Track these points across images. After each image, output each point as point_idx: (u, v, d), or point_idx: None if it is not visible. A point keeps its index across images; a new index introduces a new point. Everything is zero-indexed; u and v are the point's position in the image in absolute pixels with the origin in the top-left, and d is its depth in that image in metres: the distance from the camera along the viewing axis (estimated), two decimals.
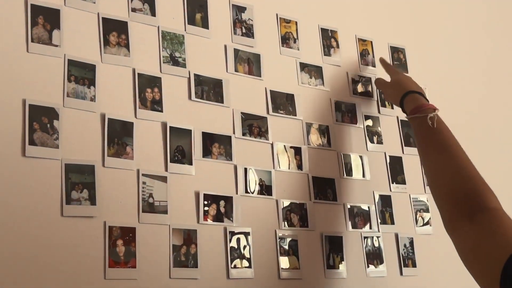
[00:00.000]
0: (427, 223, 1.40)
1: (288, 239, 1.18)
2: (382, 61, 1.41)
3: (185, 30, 1.18)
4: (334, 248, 1.23)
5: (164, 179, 1.07)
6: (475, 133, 1.61)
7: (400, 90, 1.26)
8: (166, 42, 1.15)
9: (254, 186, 1.17)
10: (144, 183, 1.04)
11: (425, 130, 1.14)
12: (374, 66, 1.44)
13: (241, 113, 1.20)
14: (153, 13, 1.15)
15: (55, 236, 0.94)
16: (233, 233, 1.12)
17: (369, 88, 1.42)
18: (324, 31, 1.39)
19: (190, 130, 1.12)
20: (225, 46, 1.23)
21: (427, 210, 1.40)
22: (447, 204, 1.04)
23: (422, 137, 1.16)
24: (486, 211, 0.97)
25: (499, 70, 1.73)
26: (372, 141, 1.38)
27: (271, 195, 1.19)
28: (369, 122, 1.39)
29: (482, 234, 0.94)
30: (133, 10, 1.12)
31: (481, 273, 0.90)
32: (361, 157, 1.34)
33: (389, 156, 1.39)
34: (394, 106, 1.44)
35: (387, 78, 1.37)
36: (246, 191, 1.16)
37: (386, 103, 1.43)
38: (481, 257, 0.91)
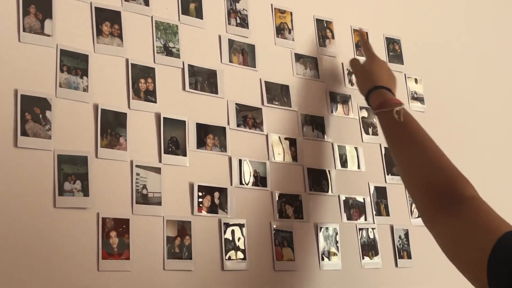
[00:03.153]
0: None
1: (283, 231, 1.18)
2: (361, 36, 1.37)
3: (179, 20, 1.17)
4: (329, 240, 1.23)
5: (158, 170, 1.06)
6: (470, 124, 1.61)
7: (368, 83, 1.24)
8: (159, 32, 1.14)
9: (248, 177, 1.17)
10: (137, 174, 1.04)
11: (392, 124, 1.12)
12: None
13: (236, 104, 1.19)
14: (147, 3, 1.13)
15: (47, 228, 0.93)
16: (227, 225, 1.11)
17: None
18: (319, 22, 1.38)
19: (184, 121, 1.12)
20: (219, 37, 1.22)
21: None
22: (422, 198, 1.02)
23: (390, 132, 1.14)
24: (463, 201, 0.95)
25: (495, 61, 1.73)
26: (367, 133, 1.38)
27: (266, 186, 1.18)
28: (364, 113, 1.39)
29: (462, 225, 0.91)
30: None
31: (466, 264, 0.88)
32: (356, 148, 1.34)
33: (384, 147, 1.39)
34: None
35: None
36: (241, 183, 1.15)
37: None
38: (465, 248, 0.89)
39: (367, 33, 1.38)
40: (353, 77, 1.36)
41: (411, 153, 1.07)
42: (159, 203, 1.05)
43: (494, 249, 0.81)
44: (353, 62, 1.34)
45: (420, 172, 1.04)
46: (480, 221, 0.89)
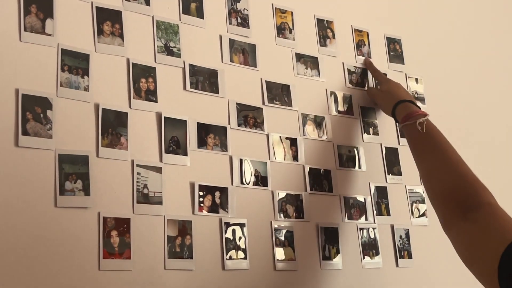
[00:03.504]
0: (423, 214, 1.40)
1: (284, 230, 1.18)
2: (369, 65, 1.41)
3: (180, 20, 1.17)
4: (329, 239, 1.23)
5: (158, 169, 1.06)
6: (471, 124, 1.61)
7: (391, 99, 1.29)
8: (160, 32, 1.14)
9: (249, 177, 1.17)
10: (138, 173, 1.04)
11: (416, 135, 1.17)
12: (370, 56, 1.44)
13: (237, 103, 1.19)
14: (148, 3, 1.13)
15: (48, 227, 0.93)
16: (228, 224, 1.11)
17: (365, 80, 1.41)
18: (320, 22, 1.38)
19: (185, 121, 1.12)
20: (220, 36, 1.22)
21: (423, 202, 1.40)
22: (441, 204, 1.05)
23: (414, 143, 1.18)
24: (480, 207, 0.97)
25: (496, 61, 1.73)
26: (368, 132, 1.37)
27: (266, 186, 1.18)
28: (365, 113, 1.39)
29: (477, 230, 0.94)
30: None
31: (479, 269, 0.90)
32: (357, 148, 1.34)
33: (385, 147, 1.39)
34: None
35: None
36: (242, 182, 1.15)
37: None
38: (478, 253, 0.90)
39: (370, 62, 1.42)
40: (376, 103, 1.39)
41: (432, 160, 1.12)
42: (160, 203, 1.05)
43: (505, 254, 0.82)
44: (370, 90, 1.40)
45: (440, 180, 1.08)
46: (493, 227, 0.92)
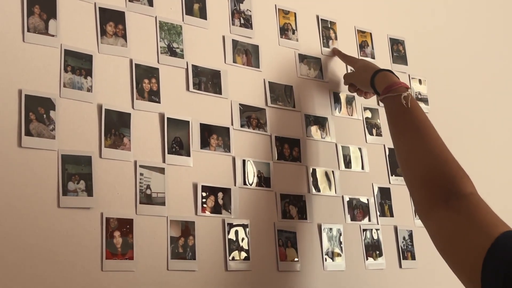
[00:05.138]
0: None
1: (287, 231, 1.17)
2: (337, 52, 1.36)
3: (183, 21, 1.17)
4: (332, 240, 1.23)
5: (161, 170, 1.06)
6: (474, 124, 1.60)
7: (369, 70, 1.22)
8: (163, 33, 1.14)
9: (252, 178, 1.16)
10: (141, 174, 1.04)
11: (398, 110, 1.10)
12: (373, 58, 1.44)
13: (239, 104, 1.19)
14: (151, 3, 1.14)
15: (51, 228, 0.93)
16: (231, 225, 1.11)
17: None
18: (323, 22, 1.38)
19: (188, 121, 1.12)
20: (223, 37, 1.22)
21: None
22: (421, 187, 1.00)
23: (395, 117, 1.11)
24: (462, 196, 0.93)
25: (499, 62, 1.73)
26: (371, 133, 1.37)
27: (269, 187, 1.18)
28: (368, 114, 1.38)
29: (461, 221, 0.90)
30: (130, 0, 1.11)
31: (460, 261, 0.87)
32: (360, 149, 1.34)
33: (388, 148, 1.38)
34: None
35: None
36: (245, 183, 1.15)
37: None
38: (461, 245, 0.88)
39: (338, 50, 1.36)
40: (349, 85, 1.33)
41: (414, 140, 1.05)
42: (163, 203, 1.05)
43: (490, 250, 0.81)
44: (345, 75, 1.34)
45: (421, 162, 1.02)
46: (478, 219, 0.88)
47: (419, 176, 1.01)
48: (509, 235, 0.83)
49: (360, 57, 1.38)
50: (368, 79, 1.21)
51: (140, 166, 1.04)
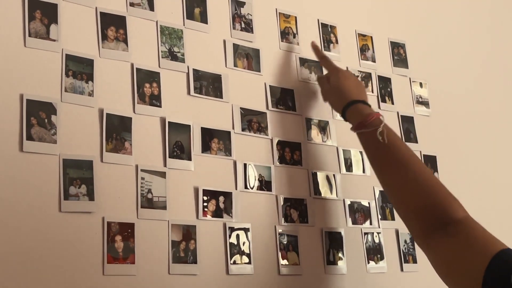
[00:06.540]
0: None
1: (288, 235, 1.17)
2: (316, 50, 1.30)
3: (184, 25, 1.17)
4: (334, 244, 1.23)
5: (163, 174, 1.06)
6: (475, 128, 1.60)
7: (341, 99, 1.18)
8: (164, 37, 1.14)
9: (253, 181, 1.17)
10: (142, 178, 1.04)
11: (376, 145, 1.08)
12: (374, 61, 1.44)
13: (240, 108, 1.19)
14: (152, 8, 1.14)
15: (53, 232, 0.93)
16: (232, 229, 1.11)
17: (369, 84, 1.41)
18: (323, 26, 1.38)
19: (189, 126, 1.12)
20: (224, 41, 1.22)
21: None
22: (415, 220, 1.02)
23: (374, 153, 1.10)
24: (457, 221, 0.96)
25: (500, 65, 1.73)
26: None
27: (270, 190, 1.18)
28: None
29: (458, 244, 0.93)
30: (131, 4, 1.12)
31: (461, 283, 0.89)
32: (361, 152, 1.34)
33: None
34: (395, 102, 1.43)
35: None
36: (246, 187, 1.15)
37: (387, 98, 1.42)
38: (460, 267, 0.90)
39: (317, 46, 1.31)
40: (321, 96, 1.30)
41: (399, 175, 1.05)
42: (164, 207, 1.05)
43: (489, 267, 0.83)
44: (320, 80, 1.29)
45: (412, 196, 1.03)
46: (474, 240, 0.91)
47: (412, 209, 1.03)
48: (506, 252, 0.85)
49: (341, 70, 1.27)
50: (340, 110, 1.19)
51: (141, 170, 1.04)
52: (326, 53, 1.35)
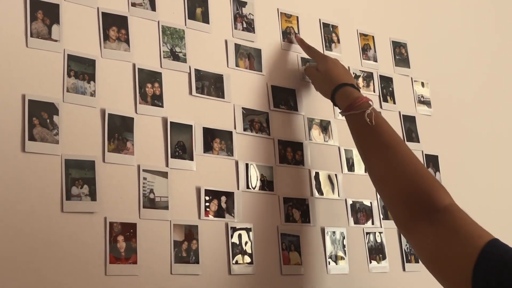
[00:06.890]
0: None
1: (290, 235, 1.17)
2: (300, 42, 1.29)
3: (186, 25, 1.17)
4: (336, 243, 1.23)
5: (164, 174, 1.06)
6: (477, 127, 1.60)
7: (330, 83, 1.19)
8: (166, 37, 1.14)
9: (255, 181, 1.17)
10: (144, 178, 1.04)
11: (363, 127, 1.08)
12: (376, 61, 1.44)
13: (242, 108, 1.19)
14: (153, 8, 1.14)
15: (55, 232, 0.93)
16: (234, 229, 1.11)
17: (371, 84, 1.41)
18: (325, 26, 1.38)
19: (191, 126, 1.12)
20: (226, 41, 1.22)
21: None
22: (399, 205, 1.00)
23: (361, 136, 1.10)
24: (442, 209, 0.93)
25: (502, 64, 1.73)
26: None
27: (272, 190, 1.18)
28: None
29: (444, 234, 0.90)
30: (133, 4, 1.12)
31: (449, 274, 0.88)
32: None
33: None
34: (397, 101, 1.43)
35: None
36: (248, 187, 1.15)
37: (388, 97, 1.42)
38: (447, 258, 0.88)
39: (301, 39, 1.31)
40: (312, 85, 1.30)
41: (385, 158, 1.04)
42: (166, 207, 1.05)
43: (479, 259, 0.81)
44: (308, 70, 1.29)
45: (396, 180, 1.01)
46: (461, 231, 0.89)
47: (396, 193, 1.01)
48: (494, 243, 0.84)
49: (326, 52, 1.31)
50: (329, 94, 1.19)
51: (143, 170, 1.04)
52: (328, 52, 1.35)
